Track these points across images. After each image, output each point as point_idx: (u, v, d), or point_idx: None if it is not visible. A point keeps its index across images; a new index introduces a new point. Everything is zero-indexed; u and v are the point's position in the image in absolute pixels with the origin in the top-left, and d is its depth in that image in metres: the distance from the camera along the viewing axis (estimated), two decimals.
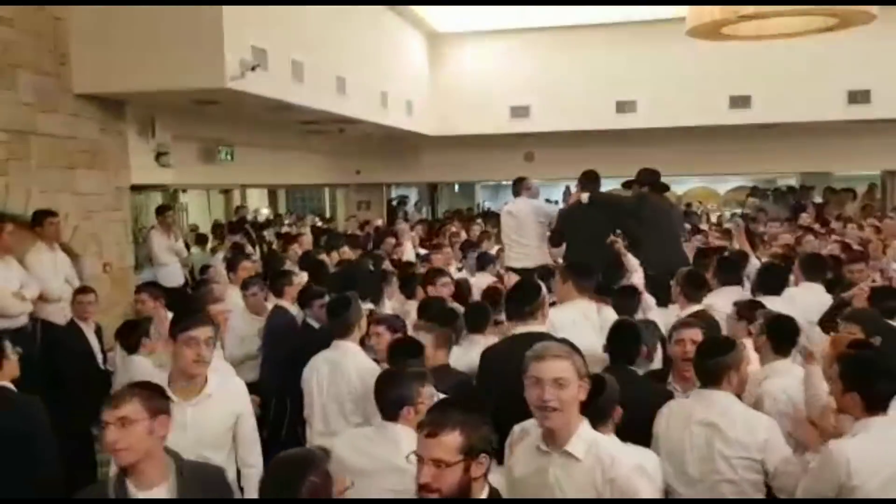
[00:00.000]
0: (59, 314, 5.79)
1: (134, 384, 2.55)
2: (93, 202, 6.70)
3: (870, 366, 2.84)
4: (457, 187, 19.69)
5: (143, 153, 7.45)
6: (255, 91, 6.48)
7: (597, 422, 2.86)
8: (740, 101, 10.75)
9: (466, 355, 4.10)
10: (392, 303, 5.57)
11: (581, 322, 4.28)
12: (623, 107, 11.13)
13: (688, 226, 10.45)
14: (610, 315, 4.40)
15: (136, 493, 2.39)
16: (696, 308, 4.56)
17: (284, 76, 7.07)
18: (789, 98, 10.46)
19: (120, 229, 7.10)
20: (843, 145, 11.60)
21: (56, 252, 6.03)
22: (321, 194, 18.11)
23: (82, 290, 5.75)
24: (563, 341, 3.56)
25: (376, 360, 3.90)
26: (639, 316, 4.61)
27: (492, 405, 2.85)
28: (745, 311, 4.15)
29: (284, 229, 12.31)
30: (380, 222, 12.09)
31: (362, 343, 4.05)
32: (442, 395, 3.05)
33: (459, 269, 7.53)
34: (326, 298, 4.75)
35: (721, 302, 4.69)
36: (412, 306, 5.26)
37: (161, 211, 8.62)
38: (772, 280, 5.22)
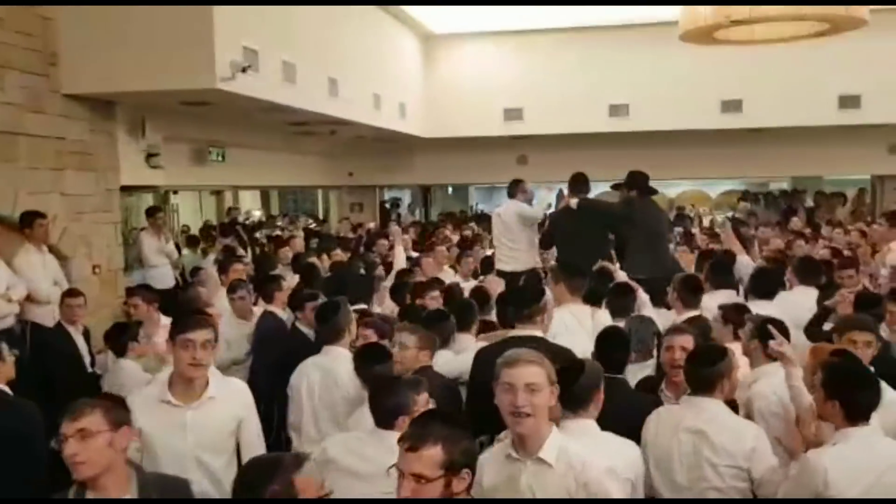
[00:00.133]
0: (48, 317, 5.75)
1: (100, 395, 2.50)
2: (82, 203, 6.65)
3: (852, 375, 2.84)
4: (450, 190, 19.68)
5: (133, 154, 7.40)
6: (247, 92, 6.45)
7: (576, 408, 2.91)
8: (732, 106, 10.81)
9: (455, 360, 4.08)
10: (382, 309, 5.55)
11: (575, 327, 4.28)
12: (615, 110, 11.17)
13: (680, 229, 10.51)
14: (604, 319, 4.40)
15: None
16: (693, 313, 4.56)
17: (276, 77, 7.04)
18: (780, 103, 10.52)
19: (109, 231, 7.05)
20: (833, 150, 11.65)
21: (44, 254, 5.99)
22: (314, 196, 18.07)
23: (71, 293, 5.71)
24: (561, 348, 3.58)
25: None
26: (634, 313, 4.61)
27: (483, 408, 2.84)
28: (731, 315, 4.15)
29: (277, 232, 12.27)
30: (372, 224, 12.06)
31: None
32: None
33: (455, 272, 7.52)
34: (319, 301, 4.73)
35: (714, 305, 4.68)
36: None
37: (151, 212, 8.58)
38: (765, 284, 5.25)
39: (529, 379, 2.45)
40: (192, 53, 5.98)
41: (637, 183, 6.58)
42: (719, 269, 5.47)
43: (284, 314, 5.26)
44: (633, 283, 5.16)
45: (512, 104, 11.46)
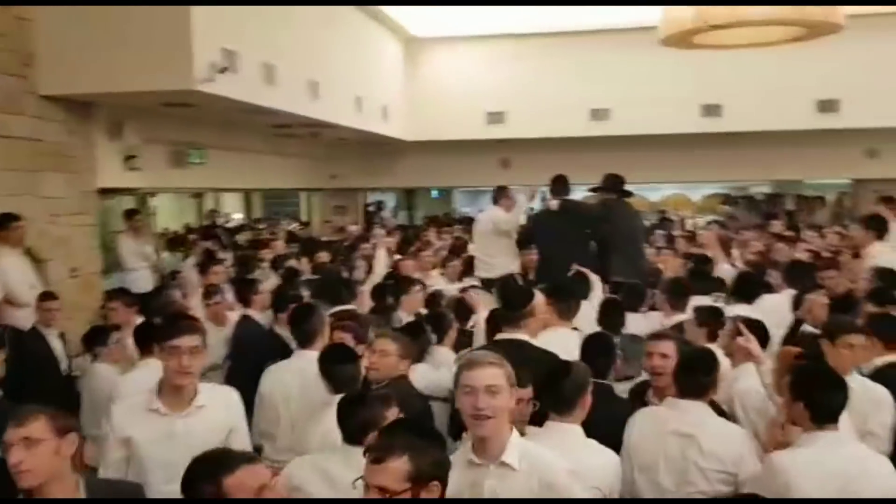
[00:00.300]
0: (25, 320, 5.67)
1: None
2: (58, 206, 6.56)
3: (819, 377, 2.84)
4: (434, 193, 19.66)
5: (111, 156, 7.31)
6: (226, 94, 6.40)
7: (561, 410, 2.88)
8: (712, 110, 10.89)
9: (434, 374, 4.02)
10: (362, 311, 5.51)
11: (560, 353, 4.20)
12: (597, 114, 11.22)
13: (663, 232, 10.56)
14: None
15: None
16: (681, 317, 4.57)
17: (256, 79, 6.99)
18: (760, 107, 10.61)
19: (87, 234, 6.97)
20: (813, 154, 11.74)
21: (20, 256, 5.91)
22: (297, 199, 17.99)
23: (48, 296, 5.63)
24: (545, 352, 3.56)
25: None
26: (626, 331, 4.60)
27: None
28: (705, 317, 4.17)
29: (262, 235, 12.18)
30: (354, 227, 12.01)
31: None
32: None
33: (442, 274, 7.50)
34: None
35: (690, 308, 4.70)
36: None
37: (130, 215, 8.50)
38: (746, 287, 5.29)
39: (489, 381, 2.43)
40: (170, 55, 5.93)
41: (613, 185, 6.60)
42: (699, 275, 5.50)
43: (262, 318, 5.22)
44: (585, 270, 5.16)
45: (495, 108, 11.50)
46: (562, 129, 11.22)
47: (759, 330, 3.89)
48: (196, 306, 5.53)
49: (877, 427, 3.43)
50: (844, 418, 2.83)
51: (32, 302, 5.66)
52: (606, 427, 3.03)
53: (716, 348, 3.72)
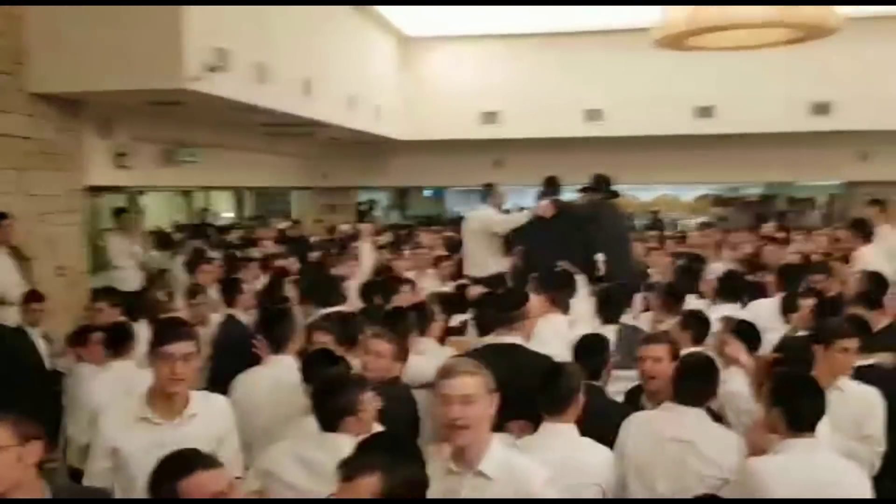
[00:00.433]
0: (13, 318, 5.62)
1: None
2: (47, 204, 6.51)
3: (797, 383, 2.83)
4: (427, 192, 19.61)
5: (100, 154, 7.27)
6: (217, 92, 6.36)
7: (555, 411, 2.91)
8: (705, 112, 10.94)
9: (425, 362, 4.00)
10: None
11: (550, 339, 4.21)
12: (591, 115, 11.26)
13: (654, 232, 10.56)
14: (581, 329, 4.36)
15: None
16: (675, 319, 4.55)
17: (248, 78, 6.95)
18: (753, 109, 10.65)
19: (75, 232, 6.92)
20: (805, 156, 11.79)
21: (6, 255, 5.86)
22: (288, 197, 17.91)
23: (35, 296, 5.58)
24: (538, 355, 3.54)
25: None
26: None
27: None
28: (689, 320, 4.17)
29: (253, 234, 12.11)
30: (346, 227, 11.96)
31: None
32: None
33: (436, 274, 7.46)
34: (287, 305, 4.64)
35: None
36: None
37: (118, 213, 8.44)
38: (731, 287, 5.30)
39: (464, 390, 2.40)
40: (161, 53, 5.88)
41: (601, 186, 6.60)
42: (686, 275, 5.51)
43: (247, 318, 5.16)
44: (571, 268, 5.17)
45: (489, 108, 11.52)
46: (555, 129, 11.25)
47: (750, 332, 3.91)
48: (181, 306, 5.48)
49: (874, 430, 3.47)
50: (825, 429, 2.83)
51: (18, 300, 5.60)
52: (598, 429, 3.03)
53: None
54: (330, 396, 2.79)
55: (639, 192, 16.76)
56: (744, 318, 4.33)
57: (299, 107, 8.13)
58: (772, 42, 7.00)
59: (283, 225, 13.51)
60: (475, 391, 2.41)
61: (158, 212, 13.86)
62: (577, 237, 6.30)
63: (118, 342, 4.19)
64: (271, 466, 2.77)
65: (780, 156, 11.75)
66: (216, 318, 5.24)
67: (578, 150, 11.35)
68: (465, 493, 2.41)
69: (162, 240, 9.16)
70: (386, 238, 10.22)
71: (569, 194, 7.10)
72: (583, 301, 5.18)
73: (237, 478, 2.39)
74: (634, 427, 3.13)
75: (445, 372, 2.47)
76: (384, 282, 5.87)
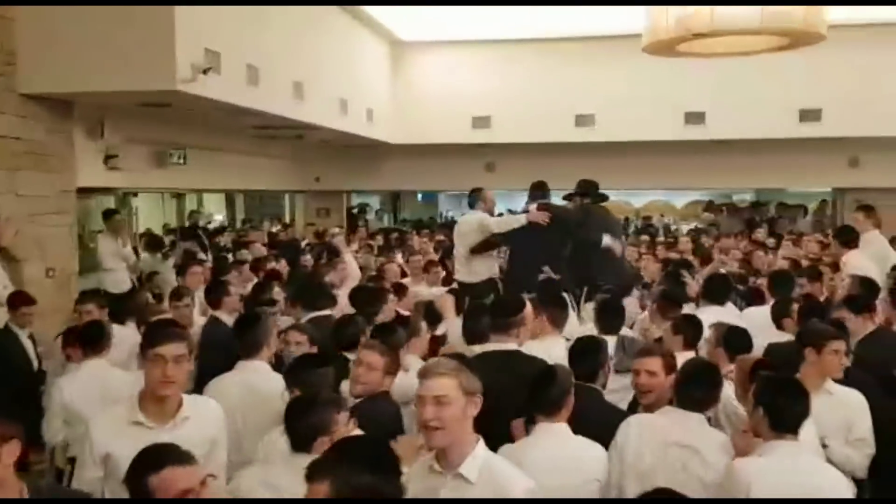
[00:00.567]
0: (1, 319, 5.60)
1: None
2: (37, 205, 6.48)
3: (780, 385, 2.84)
4: (420, 196, 19.63)
5: (91, 155, 7.25)
6: (208, 94, 6.35)
7: (550, 411, 2.96)
8: (695, 118, 10.96)
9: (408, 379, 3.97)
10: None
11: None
12: (582, 120, 11.28)
13: (646, 237, 10.59)
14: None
15: None
16: (666, 325, 4.55)
17: (239, 80, 6.95)
18: (742, 115, 10.69)
19: (65, 233, 6.89)
20: (795, 162, 11.83)
21: None
22: (280, 201, 17.91)
23: (25, 299, 5.54)
24: (534, 358, 3.54)
25: None
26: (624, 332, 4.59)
27: None
28: (681, 325, 4.18)
29: (245, 237, 12.10)
30: (337, 230, 11.96)
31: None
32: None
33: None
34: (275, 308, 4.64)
35: None
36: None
37: (108, 215, 8.41)
38: (715, 290, 5.33)
39: (438, 391, 2.38)
40: (152, 55, 5.88)
41: (589, 191, 6.61)
42: (675, 279, 5.54)
43: (232, 320, 5.14)
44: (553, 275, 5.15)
45: (480, 112, 11.52)
46: (547, 134, 11.27)
47: (739, 340, 3.92)
48: (167, 308, 5.47)
49: (864, 432, 3.50)
50: (810, 434, 2.84)
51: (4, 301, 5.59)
52: (593, 428, 3.05)
53: (688, 356, 3.73)
54: (302, 416, 2.71)
55: (631, 198, 16.82)
56: (732, 322, 4.33)
57: (290, 109, 8.14)
58: (761, 49, 7.04)
59: (274, 228, 13.49)
60: (449, 392, 2.38)
61: (149, 214, 13.84)
62: (564, 242, 6.31)
63: (91, 341, 4.17)
64: (241, 494, 2.72)
65: (770, 162, 11.80)
66: (201, 319, 5.23)
67: (570, 155, 11.37)
68: (445, 494, 2.40)
69: (152, 242, 9.14)
70: (377, 242, 10.24)
71: (556, 199, 7.11)
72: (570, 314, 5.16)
73: (210, 475, 2.36)
74: (634, 430, 3.09)
75: (422, 373, 2.48)
76: (373, 290, 5.84)
